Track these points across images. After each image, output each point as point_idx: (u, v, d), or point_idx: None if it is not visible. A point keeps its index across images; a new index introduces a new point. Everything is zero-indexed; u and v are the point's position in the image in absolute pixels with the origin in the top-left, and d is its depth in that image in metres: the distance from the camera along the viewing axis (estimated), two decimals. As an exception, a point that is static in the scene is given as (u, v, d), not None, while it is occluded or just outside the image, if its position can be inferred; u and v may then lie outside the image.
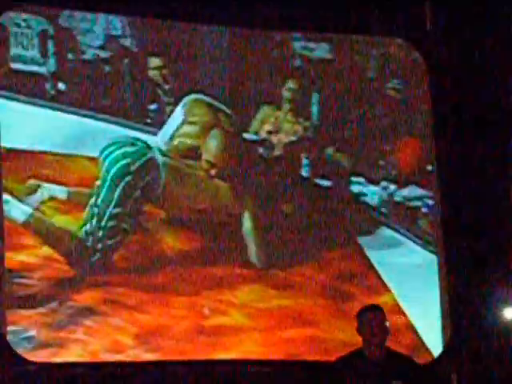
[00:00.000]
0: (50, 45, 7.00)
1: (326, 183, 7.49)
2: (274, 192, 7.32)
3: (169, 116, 7.16)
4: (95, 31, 7.10)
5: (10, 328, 6.38)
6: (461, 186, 7.37)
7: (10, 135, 6.68)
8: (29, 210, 6.53)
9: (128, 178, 6.76)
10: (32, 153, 6.74)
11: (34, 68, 6.92)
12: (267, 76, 7.49)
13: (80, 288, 6.61)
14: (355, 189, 7.55)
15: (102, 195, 6.70)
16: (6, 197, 6.49)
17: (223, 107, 7.23)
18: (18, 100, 6.80)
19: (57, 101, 6.92)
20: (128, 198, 6.73)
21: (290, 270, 7.14)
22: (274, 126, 7.49)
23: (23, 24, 6.93)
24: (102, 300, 6.66)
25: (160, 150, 6.96)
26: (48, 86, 6.93)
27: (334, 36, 7.65)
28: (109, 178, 6.72)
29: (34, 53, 6.95)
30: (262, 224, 7.15)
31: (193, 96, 7.17)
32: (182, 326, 6.74)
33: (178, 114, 7.12)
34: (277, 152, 7.47)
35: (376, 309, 4.01)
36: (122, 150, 6.82)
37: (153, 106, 7.15)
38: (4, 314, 6.36)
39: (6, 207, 6.48)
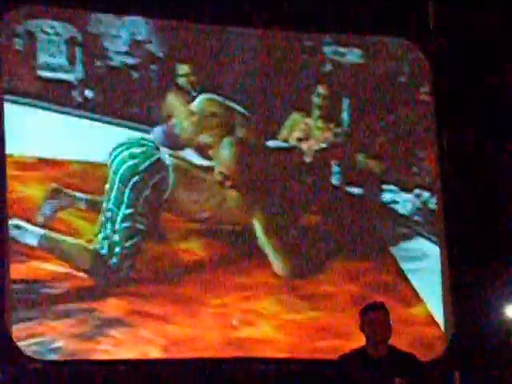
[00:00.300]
0: (78, 52, 6.95)
1: (357, 191, 7.38)
2: (301, 200, 7.20)
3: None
4: (122, 37, 7.04)
5: (36, 339, 6.34)
6: (466, 185, 7.23)
7: (36, 143, 6.64)
8: (40, 231, 6.48)
9: (136, 178, 6.69)
10: (57, 161, 6.69)
11: (62, 75, 6.87)
12: (297, 82, 7.39)
13: (105, 298, 6.55)
14: (387, 196, 7.42)
15: (112, 198, 6.64)
16: (17, 222, 6.43)
17: (238, 107, 7.11)
18: (44, 108, 6.73)
19: (84, 108, 6.86)
20: (138, 198, 6.67)
21: (318, 280, 7.04)
22: (304, 132, 7.38)
23: (51, 31, 6.88)
24: (129, 311, 6.59)
25: (169, 153, 6.88)
26: (75, 93, 6.88)
27: (365, 40, 7.53)
28: (117, 179, 6.67)
29: (61, 60, 6.90)
30: (288, 233, 7.05)
31: (205, 96, 7.06)
32: (211, 337, 6.66)
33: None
34: (307, 159, 7.36)
35: (379, 307, 3.99)
36: (130, 150, 6.76)
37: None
38: (9, 314, 6.28)
39: (17, 233, 6.42)
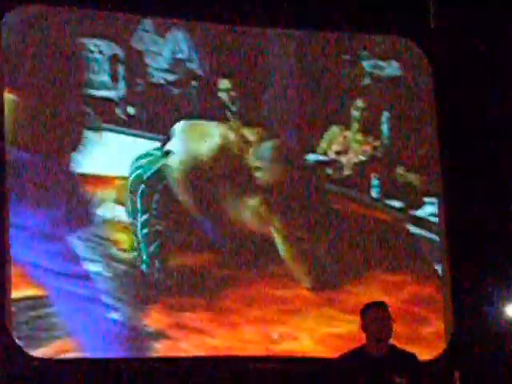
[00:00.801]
0: (121, 69, 7.09)
1: (396, 204, 7.40)
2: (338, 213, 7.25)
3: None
4: (163, 54, 7.17)
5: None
6: (466, 185, 7.22)
7: (82, 160, 6.79)
8: None
9: (142, 187, 6.84)
10: (101, 177, 6.82)
11: (105, 93, 7.02)
12: (336, 95, 7.45)
13: (148, 311, 6.67)
14: (428, 210, 7.44)
15: (129, 210, 6.79)
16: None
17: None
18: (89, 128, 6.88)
19: (127, 125, 7.00)
20: (149, 203, 6.80)
21: (357, 292, 7.07)
22: (343, 145, 7.43)
23: (95, 49, 7.03)
24: (171, 324, 6.71)
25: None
26: (119, 110, 7.02)
27: (403, 54, 7.56)
28: (129, 191, 6.82)
29: (104, 78, 7.05)
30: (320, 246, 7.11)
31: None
32: (251, 351, 6.73)
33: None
34: (346, 172, 7.42)
35: (382, 305, 3.98)
36: (138, 162, 6.91)
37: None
38: (9, 309, 6.35)
39: None
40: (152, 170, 6.91)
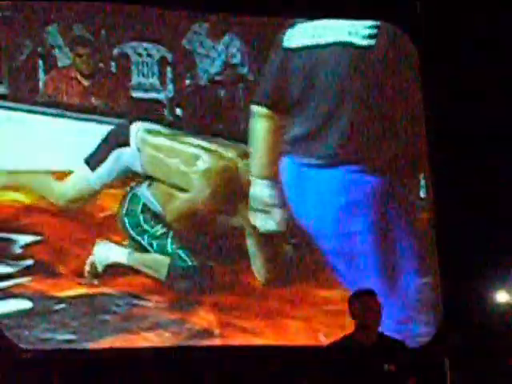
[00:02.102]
0: (169, 71, 7.19)
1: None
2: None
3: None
4: (213, 58, 7.24)
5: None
6: (457, 174, 7.15)
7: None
8: (126, 250, 6.78)
9: None
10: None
11: (154, 95, 7.12)
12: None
13: (196, 310, 6.76)
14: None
15: None
16: (108, 244, 6.74)
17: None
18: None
19: (175, 126, 7.09)
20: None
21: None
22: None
23: (144, 53, 7.14)
24: (219, 323, 6.79)
25: None
26: (166, 111, 7.12)
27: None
28: None
29: (153, 80, 7.15)
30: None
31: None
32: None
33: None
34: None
35: (370, 293, 3.95)
36: None
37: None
38: None
39: (110, 254, 6.73)
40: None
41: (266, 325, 6.81)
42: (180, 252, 6.83)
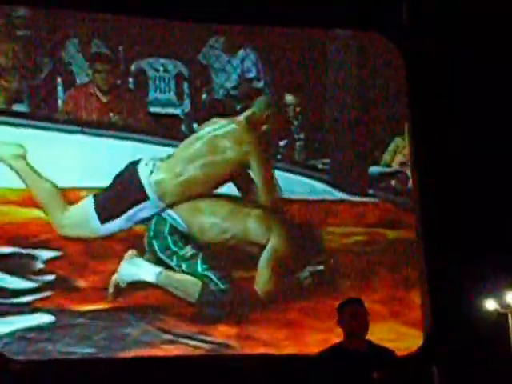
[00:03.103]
0: (185, 86, 7.26)
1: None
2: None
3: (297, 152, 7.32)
4: (228, 72, 7.32)
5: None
6: (441, 175, 7.19)
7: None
8: (157, 269, 6.81)
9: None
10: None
11: (170, 110, 7.20)
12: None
13: (215, 325, 6.85)
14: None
15: None
16: (137, 260, 6.79)
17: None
18: (154, 143, 7.08)
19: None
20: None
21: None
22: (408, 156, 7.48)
23: (161, 68, 7.22)
24: (239, 335, 6.86)
25: None
26: (183, 126, 7.19)
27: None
28: None
29: (170, 95, 7.23)
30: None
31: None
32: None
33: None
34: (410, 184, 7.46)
35: (357, 302, 3.98)
36: None
37: (283, 143, 7.31)
38: None
39: (137, 271, 6.78)
40: None
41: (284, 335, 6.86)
42: (210, 274, 6.85)
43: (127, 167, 6.86)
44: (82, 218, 6.74)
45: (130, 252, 6.78)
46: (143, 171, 6.85)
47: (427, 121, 7.31)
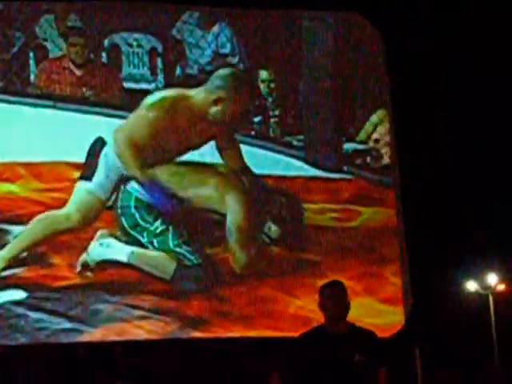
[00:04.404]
0: (159, 61, 7.22)
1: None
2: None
3: (272, 129, 7.30)
4: (202, 47, 7.27)
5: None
6: (421, 158, 7.18)
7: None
8: (129, 248, 6.78)
9: None
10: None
11: (145, 85, 7.16)
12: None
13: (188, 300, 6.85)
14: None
15: None
16: (107, 240, 6.75)
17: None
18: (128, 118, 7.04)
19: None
20: None
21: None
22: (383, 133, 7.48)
23: (135, 43, 7.17)
24: (212, 311, 6.87)
25: None
26: (157, 102, 7.14)
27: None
28: None
29: (144, 70, 7.18)
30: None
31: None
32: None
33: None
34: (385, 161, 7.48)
35: (336, 284, 3.96)
36: None
37: (257, 119, 7.29)
38: None
39: (108, 251, 6.74)
40: None
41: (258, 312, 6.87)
42: (182, 249, 6.82)
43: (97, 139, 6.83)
44: (76, 194, 6.73)
45: (100, 232, 6.74)
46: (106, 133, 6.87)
47: (407, 99, 7.29)
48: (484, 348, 6.93)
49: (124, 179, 6.81)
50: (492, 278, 7.42)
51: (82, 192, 6.73)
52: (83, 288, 6.69)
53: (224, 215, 6.90)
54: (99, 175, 6.74)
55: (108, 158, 6.79)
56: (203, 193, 6.86)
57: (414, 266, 7.15)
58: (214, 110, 6.82)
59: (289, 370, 3.92)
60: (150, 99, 6.92)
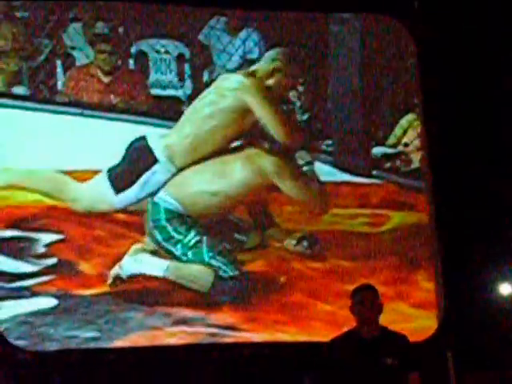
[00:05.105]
0: (187, 68, 7.20)
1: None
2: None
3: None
4: (230, 53, 7.23)
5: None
6: (455, 161, 7.11)
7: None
8: (164, 263, 6.71)
9: None
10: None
11: (172, 92, 7.13)
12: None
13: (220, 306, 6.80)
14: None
15: None
16: (141, 256, 6.69)
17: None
18: (156, 125, 7.01)
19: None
20: None
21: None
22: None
23: (162, 50, 7.15)
24: (243, 318, 6.81)
25: None
26: (185, 108, 7.11)
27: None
28: None
29: (171, 77, 7.16)
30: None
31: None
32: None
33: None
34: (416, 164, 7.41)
35: (368, 288, 3.99)
36: None
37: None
38: None
39: (142, 267, 6.69)
40: None
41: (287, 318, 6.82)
42: (218, 261, 6.73)
43: (137, 139, 6.74)
44: (96, 192, 6.65)
45: (134, 247, 6.67)
46: (152, 138, 6.75)
47: (439, 102, 7.22)
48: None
49: (154, 193, 6.71)
50: (526, 281, 7.33)
51: (101, 195, 6.64)
52: (113, 295, 6.66)
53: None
54: (130, 193, 6.67)
55: (156, 175, 6.69)
56: (237, 176, 6.71)
57: (446, 269, 7.09)
58: (270, 81, 6.70)
59: (320, 374, 3.92)
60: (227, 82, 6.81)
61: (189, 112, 6.88)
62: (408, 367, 3.91)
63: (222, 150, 6.79)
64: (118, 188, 6.66)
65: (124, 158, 6.73)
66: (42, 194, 6.65)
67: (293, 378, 6.34)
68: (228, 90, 6.77)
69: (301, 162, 6.86)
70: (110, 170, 6.70)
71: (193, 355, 6.62)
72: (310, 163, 6.87)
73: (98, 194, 6.65)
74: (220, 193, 6.72)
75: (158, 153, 6.71)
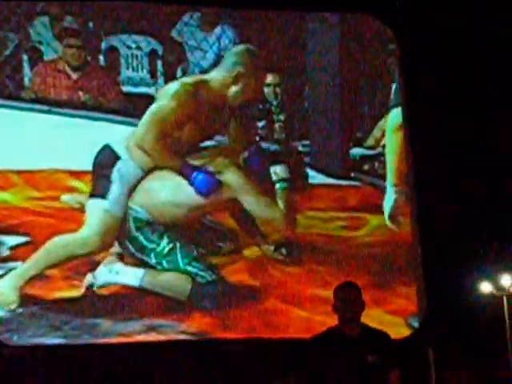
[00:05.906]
0: (159, 64, 6.97)
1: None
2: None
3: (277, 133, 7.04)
4: (204, 50, 7.00)
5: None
6: (437, 162, 7.00)
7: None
8: (140, 272, 6.49)
9: None
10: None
11: (144, 89, 6.90)
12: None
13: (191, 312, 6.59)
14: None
15: None
16: (116, 266, 6.46)
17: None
18: (127, 123, 6.77)
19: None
20: None
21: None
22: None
23: (133, 45, 6.92)
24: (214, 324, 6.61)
25: None
26: (157, 106, 6.87)
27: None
28: None
29: (143, 74, 6.93)
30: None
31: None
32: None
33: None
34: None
35: (349, 285, 3.87)
36: None
37: (261, 123, 7.03)
38: None
39: (117, 278, 6.47)
40: None
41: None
42: (193, 267, 6.51)
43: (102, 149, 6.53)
44: (96, 220, 6.41)
45: (109, 258, 6.44)
46: (115, 142, 6.53)
47: (422, 104, 7.09)
48: (498, 349, 6.83)
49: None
50: (506, 280, 7.29)
51: (98, 212, 6.40)
52: (80, 301, 6.41)
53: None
54: (114, 191, 6.41)
55: (122, 172, 6.46)
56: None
57: (427, 267, 6.98)
58: (233, 90, 6.51)
59: (302, 371, 3.83)
60: (170, 88, 6.57)
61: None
62: (389, 364, 3.83)
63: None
64: (101, 194, 6.42)
65: (94, 174, 6.54)
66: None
67: (278, 376, 6.22)
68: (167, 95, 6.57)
69: (275, 178, 6.65)
70: (91, 195, 6.50)
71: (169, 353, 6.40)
72: (284, 180, 6.67)
73: (97, 216, 6.41)
74: (182, 204, 6.52)
75: (118, 151, 6.47)
